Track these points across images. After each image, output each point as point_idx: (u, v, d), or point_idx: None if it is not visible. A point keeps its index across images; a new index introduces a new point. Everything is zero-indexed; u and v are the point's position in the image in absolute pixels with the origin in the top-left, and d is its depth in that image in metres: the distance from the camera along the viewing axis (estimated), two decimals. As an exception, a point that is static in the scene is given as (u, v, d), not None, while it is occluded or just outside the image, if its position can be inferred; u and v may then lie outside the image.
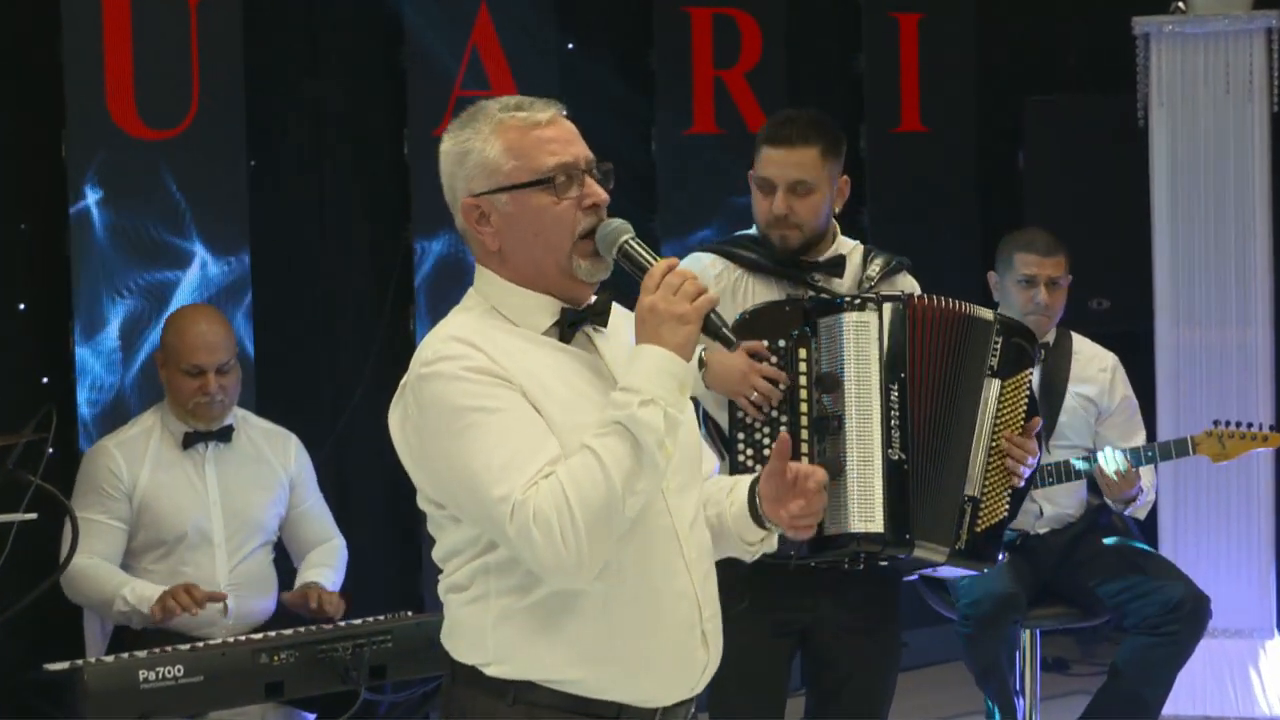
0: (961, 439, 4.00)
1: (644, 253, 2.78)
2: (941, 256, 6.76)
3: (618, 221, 2.81)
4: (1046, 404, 5.24)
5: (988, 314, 4.10)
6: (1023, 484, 4.05)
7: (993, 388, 4.04)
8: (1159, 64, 6.27)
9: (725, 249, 4.26)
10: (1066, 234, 5.49)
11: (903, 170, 7.16)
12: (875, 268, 4.21)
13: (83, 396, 5.21)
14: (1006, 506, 4.03)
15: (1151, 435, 5.66)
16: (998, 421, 4.02)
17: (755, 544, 2.98)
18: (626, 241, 2.79)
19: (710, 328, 2.74)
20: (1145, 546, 5.50)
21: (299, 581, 4.98)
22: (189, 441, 4.85)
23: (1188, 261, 6.30)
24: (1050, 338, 5.35)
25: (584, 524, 2.61)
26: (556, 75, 6.23)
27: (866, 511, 3.87)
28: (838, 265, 4.21)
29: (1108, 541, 5.36)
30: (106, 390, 5.25)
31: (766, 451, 3.92)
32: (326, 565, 5.02)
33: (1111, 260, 6.76)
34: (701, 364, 3.94)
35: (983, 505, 3.99)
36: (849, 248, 4.28)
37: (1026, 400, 4.08)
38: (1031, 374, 4.13)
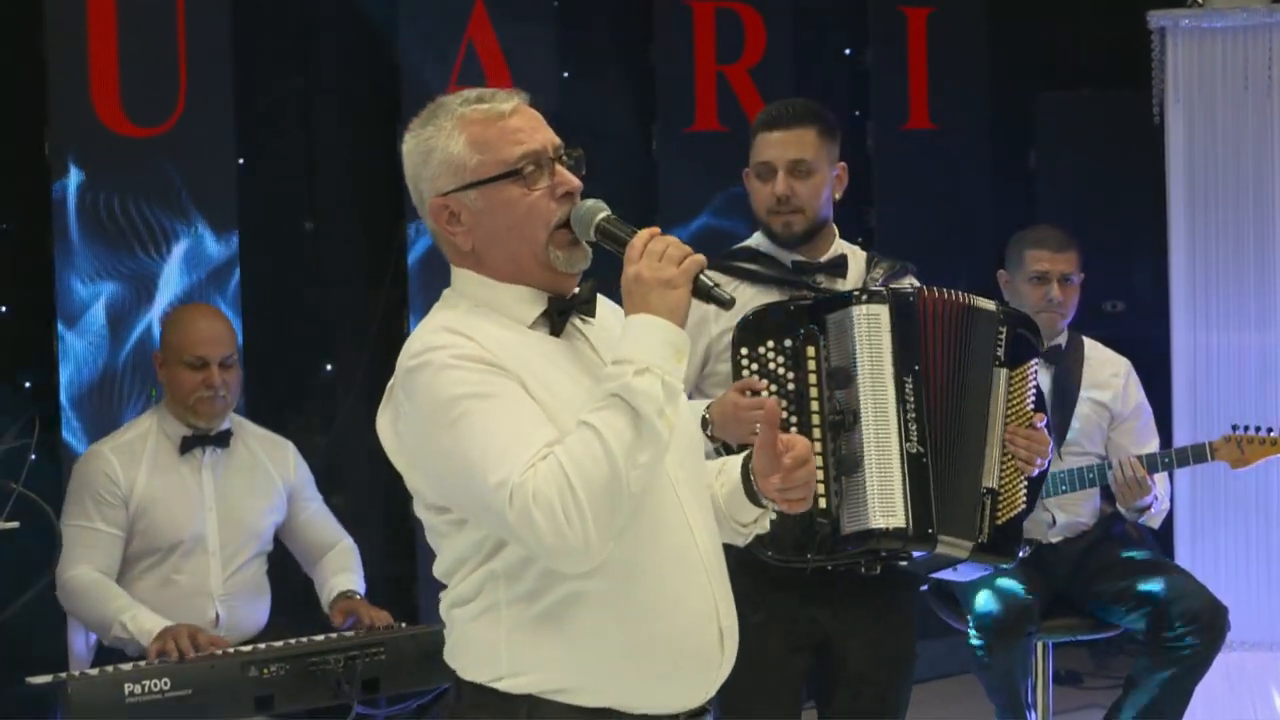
0: (976, 431, 4.02)
1: (623, 228, 2.76)
2: (951, 257, 6.76)
3: (591, 201, 2.79)
4: (1058, 410, 5.24)
5: (990, 304, 4.14)
6: (1036, 473, 4.08)
7: (1001, 378, 4.07)
8: (1175, 59, 6.25)
9: (722, 264, 4.26)
10: (1079, 234, 5.50)
11: (911, 169, 7.15)
12: (879, 272, 4.23)
13: (65, 377, 5.22)
14: (1024, 498, 4.06)
15: (1167, 442, 5.66)
16: (1008, 412, 4.06)
17: (749, 525, 2.95)
18: (603, 220, 2.78)
19: (701, 290, 2.72)
20: (1161, 556, 5.49)
21: (323, 590, 4.97)
22: (186, 446, 4.85)
23: (1205, 263, 6.29)
24: (1062, 340, 5.36)
25: (587, 502, 2.57)
26: (555, 71, 6.23)
27: (887, 506, 3.87)
28: (839, 266, 4.23)
29: (1123, 552, 5.35)
30: (90, 368, 5.27)
31: None
32: (349, 570, 5.02)
33: (1126, 262, 6.76)
34: (706, 422, 3.93)
35: (1001, 497, 4.02)
36: (850, 250, 4.30)
37: (1033, 390, 4.11)
38: (1036, 364, 4.16)
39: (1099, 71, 7.40)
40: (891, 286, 4.10)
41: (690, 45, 6.63)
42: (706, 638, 2.78)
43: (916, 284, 4.29)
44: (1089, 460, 5.28)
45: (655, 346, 2.65)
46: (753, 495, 2.90)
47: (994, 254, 5.89)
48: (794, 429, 3.89)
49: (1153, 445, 5.35)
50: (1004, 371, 4.08)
